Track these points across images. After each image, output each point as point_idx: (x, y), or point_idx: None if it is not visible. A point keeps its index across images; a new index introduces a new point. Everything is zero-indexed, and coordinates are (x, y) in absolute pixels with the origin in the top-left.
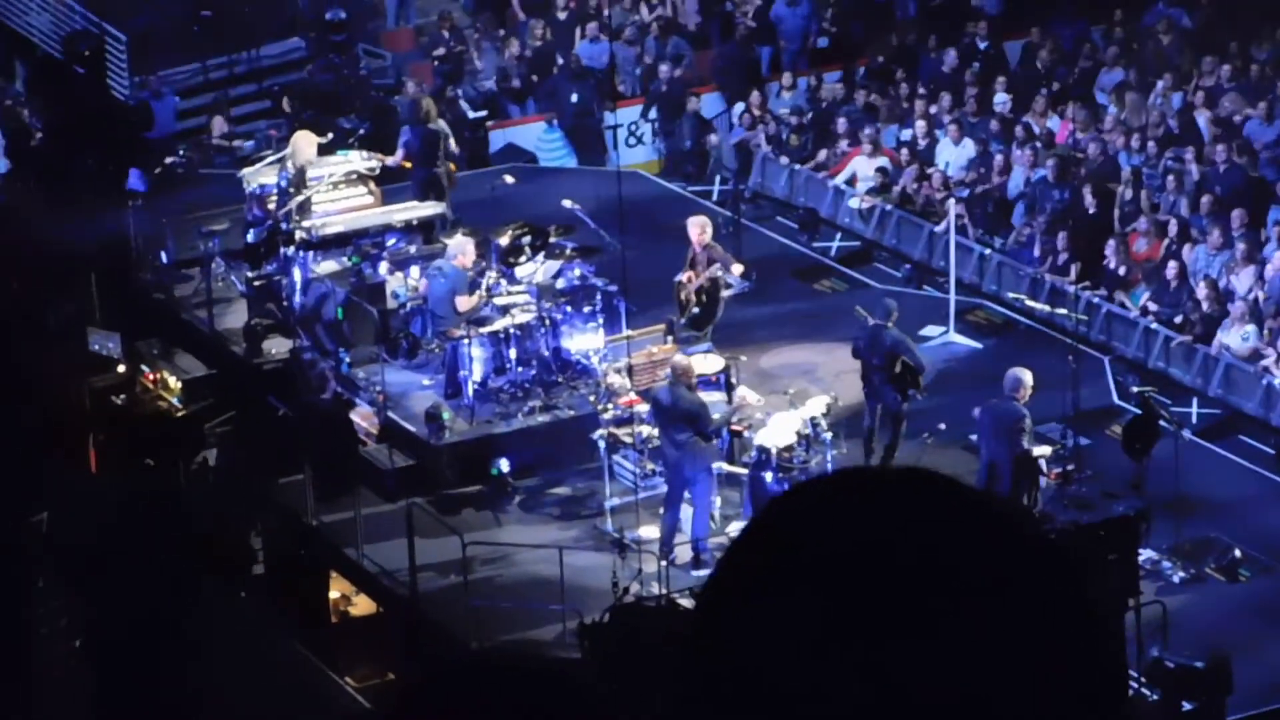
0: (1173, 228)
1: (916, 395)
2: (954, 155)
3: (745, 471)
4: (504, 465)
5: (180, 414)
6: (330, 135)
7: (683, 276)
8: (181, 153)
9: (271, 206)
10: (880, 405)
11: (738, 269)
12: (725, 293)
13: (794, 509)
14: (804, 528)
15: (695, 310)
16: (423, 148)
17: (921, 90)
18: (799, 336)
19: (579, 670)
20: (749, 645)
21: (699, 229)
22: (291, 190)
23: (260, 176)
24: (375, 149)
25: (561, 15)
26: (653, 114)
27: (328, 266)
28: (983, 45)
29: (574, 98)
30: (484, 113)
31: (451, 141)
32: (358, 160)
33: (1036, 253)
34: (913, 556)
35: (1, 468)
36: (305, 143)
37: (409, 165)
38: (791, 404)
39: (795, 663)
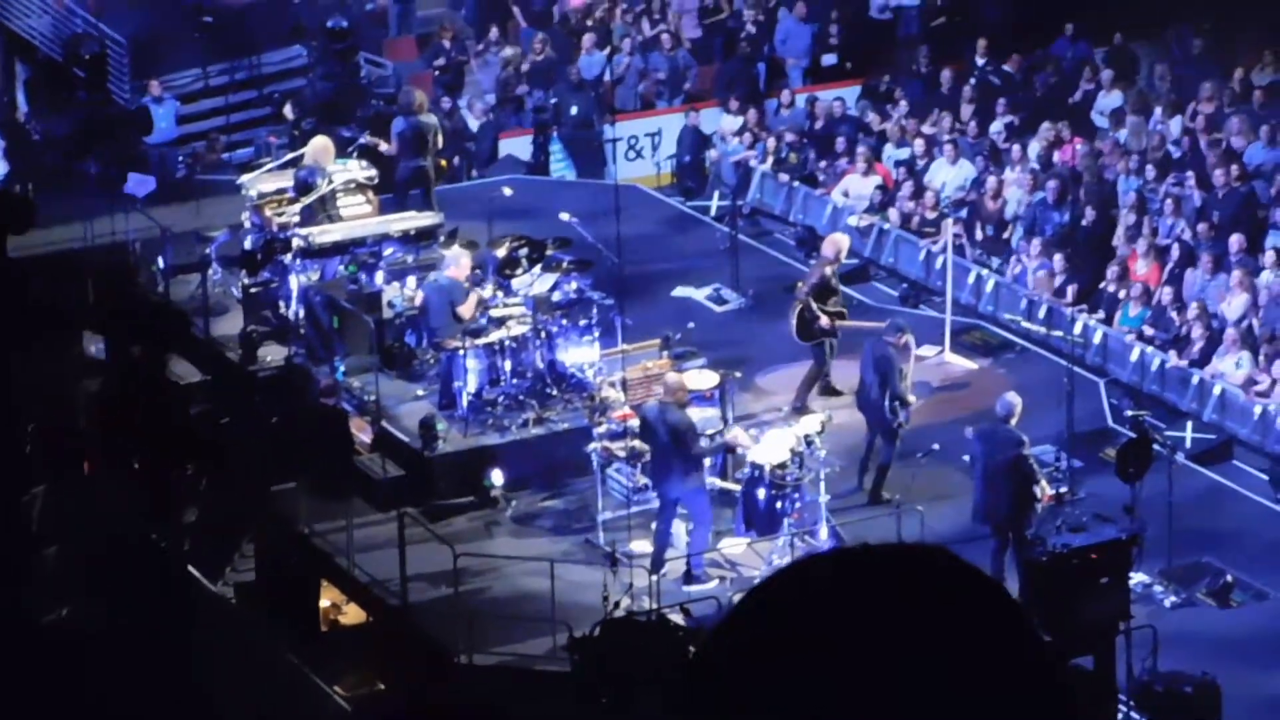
0: (1174, 251)
1: (900, 412)
2: (951, 175)
3: (738, 488)
4: (497, 477)
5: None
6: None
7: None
8: (181, 159)
9: (268, 213)
10: (873, 424)
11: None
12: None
13: (797, 583)
14: (804, 604)
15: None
16: (413, 138)
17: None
18: (795, 354)
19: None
20: (741, 706)
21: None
22: (310, 191)
23: (260, 183)
24: (374, 159)
25: (562, 28)
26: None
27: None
28: (983, 65)
29: (574, 110)
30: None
31: (440, 136)
32: (356, 169)
33: (1027, 277)
34: (901, 642)
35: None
36: (323, 149)
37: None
38: (786, 420)
39: None
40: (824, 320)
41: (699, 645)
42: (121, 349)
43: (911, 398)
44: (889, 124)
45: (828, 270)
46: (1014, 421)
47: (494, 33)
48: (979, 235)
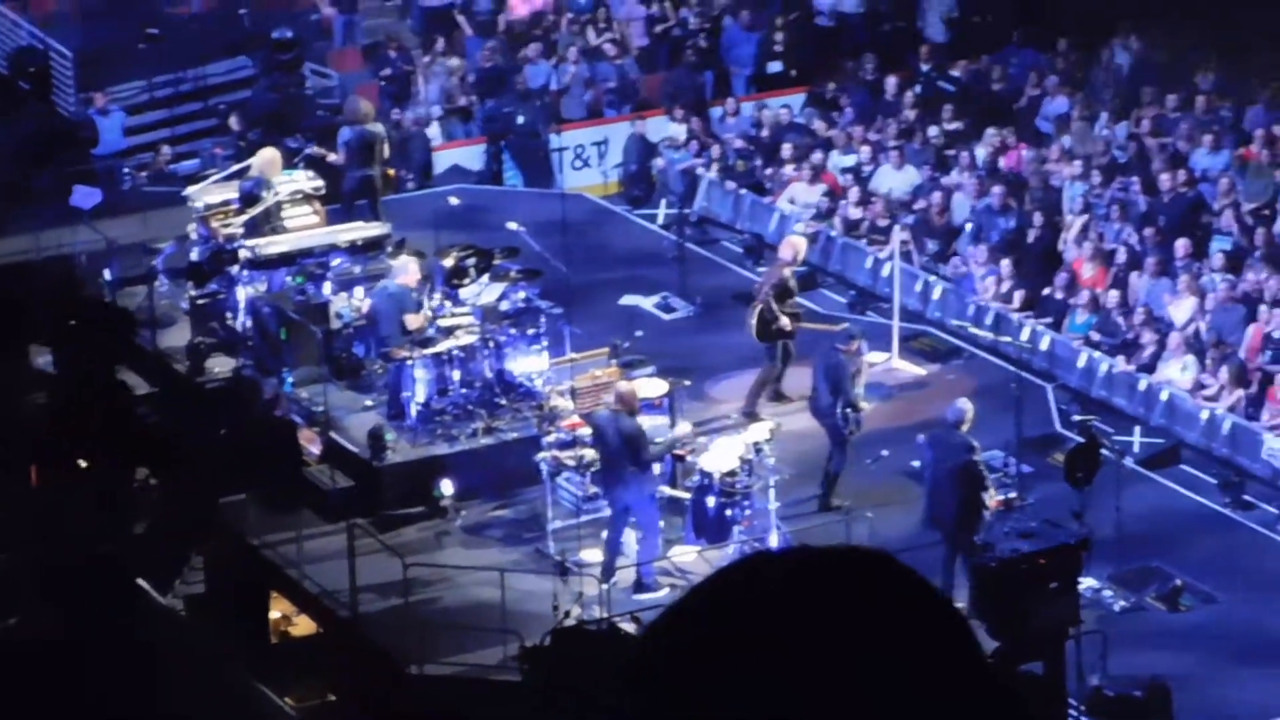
0: (1120, 256)
1: (850, 418)
2: (898, 182)
3: (688, 496)
4: (446, 487)
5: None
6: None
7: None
8: (127, 170)
9: (215, 224)
10: (826, 431)
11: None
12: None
13: (744, 583)
14: (752, 603)
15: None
16: (360, 148)
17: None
18: (744, 361)
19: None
20: (685, 707)
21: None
22: (255, 202)
23: (206, 195)
24: (321, 170)
25: (508, 37)
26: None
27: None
28: (928, 71)
29: (520, 119)
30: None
31: (387, 145)
32: (303, 180)
33: (974, 283)
34: (852, 644)
35: None
36: (270, 161)
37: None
38: (736, 428)
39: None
40: (783, 321)
41: (636, 647)
42: (71, 353)
43: (865, 405)
44: (835, 131)
45: (786, 272)
46: (965, 428)
47: (440, 44)
48: (927, 242)
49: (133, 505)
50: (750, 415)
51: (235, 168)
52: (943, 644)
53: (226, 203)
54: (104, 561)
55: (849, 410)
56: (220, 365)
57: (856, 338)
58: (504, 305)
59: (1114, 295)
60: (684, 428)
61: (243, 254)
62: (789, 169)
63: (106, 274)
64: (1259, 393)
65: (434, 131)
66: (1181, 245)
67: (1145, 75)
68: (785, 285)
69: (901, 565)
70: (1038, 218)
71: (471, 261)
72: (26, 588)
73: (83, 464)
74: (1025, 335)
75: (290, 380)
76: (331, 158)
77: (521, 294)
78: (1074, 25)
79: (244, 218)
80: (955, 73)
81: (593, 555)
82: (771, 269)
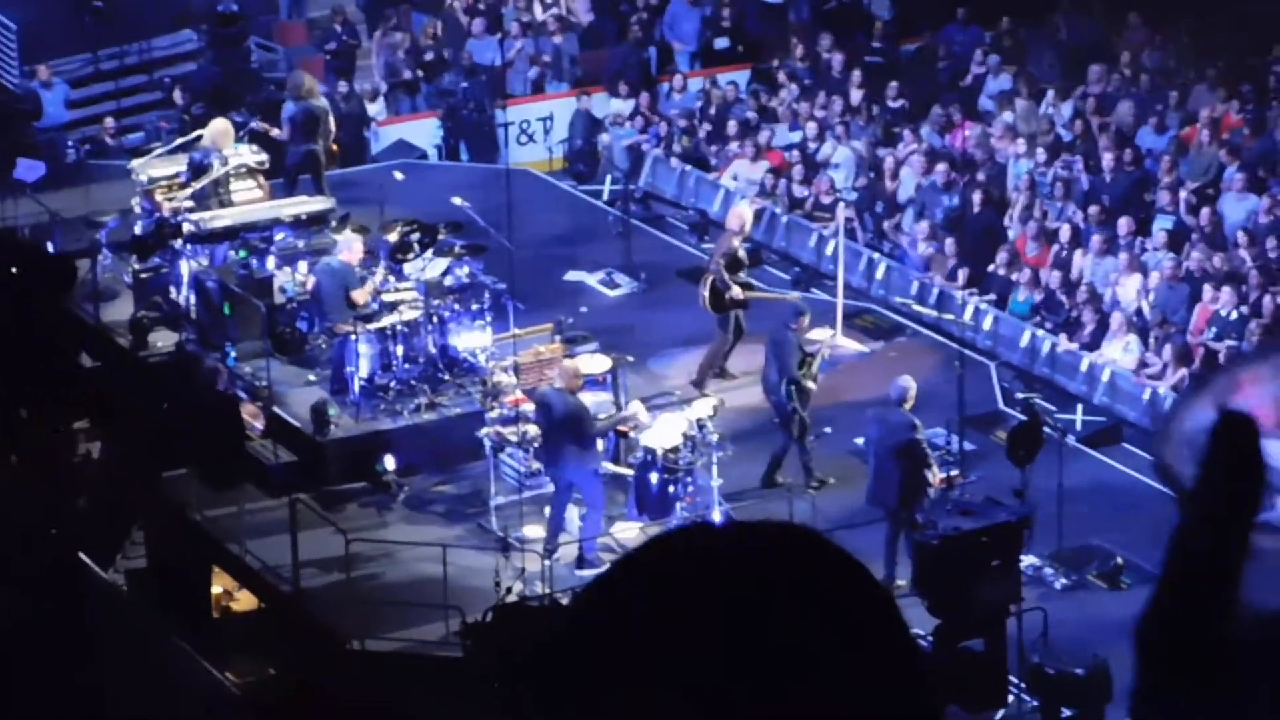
0: (1064, 234)
1: (794, 395)
2: (843, 159)
3: (631, 472)
4: (389, 462)
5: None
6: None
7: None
8: (71, 143)
9: (159, 198)
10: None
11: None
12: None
13: (677, 554)
14: (687, 575)
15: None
16: (304, 122)
17: (813, 94)
18: (688, 339)
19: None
20: (608, 671)
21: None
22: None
23: (150, 168)
24: (265, 144)
25: (455, 10)
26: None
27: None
28: (876, 50)
29: (465, 94)
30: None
31: (332, 120)
32: (247, 154)
33: (918, 259)
34: (790, 618)
35: None
36: (223, 132)
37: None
38: (678, 405)
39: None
40: (735, 291)
41: (568, 616)
42: (10, 299)
43: (810, 384)
44: (780, 107)
45: (735, 242)
46: (908, 405)
47: (393, 19)
48: (870, 219)
49: (73, 474)
50: (699, 386)
51: (179, 141)
52: (871, 625)
53: (172, 176)
54: (43, 534)
55: (792, 387)
56: (163, 339)
57: (805, 313)
58: (448, 280)
59: (1056, 274)
60: (636, 406)
61: (186, 228)
62: (734, 146)
63: (50, 247)
64: (1202, 371)
65: (379, 107)
66: (1124, 223)
67: (1089, 53)
68: (735, 255)
69: (834, 545)
70: (980, 195)
71: (415, 237)
72: None
73: (23, 414)
74: (968, 314)
75: (233, 355)
76: (275, 133)
77: (465, 269)
78: (1014, 3)
79: (192, 189)
80: (898, 49)
81: (535, 531)
82: (720, 240)
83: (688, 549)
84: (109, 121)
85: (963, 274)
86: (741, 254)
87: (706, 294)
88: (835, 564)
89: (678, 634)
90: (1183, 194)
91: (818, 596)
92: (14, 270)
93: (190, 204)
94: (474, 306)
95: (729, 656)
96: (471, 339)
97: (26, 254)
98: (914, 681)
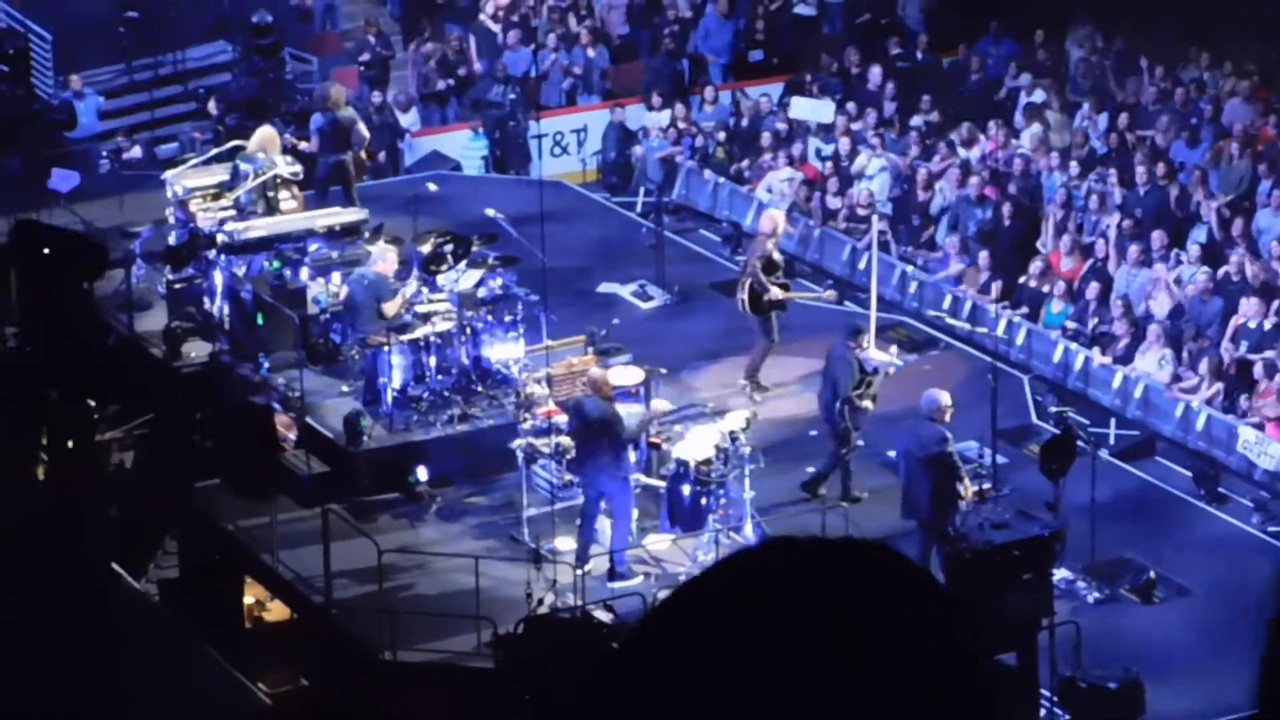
0: (1099, 248)
1: (846, 414)
2: (876, 171)
3: (663, 484)
4: (422, 473)
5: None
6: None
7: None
8: (105, 154)
9: (194, 208)
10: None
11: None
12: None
13: (750, 575)
14: (740, 595)
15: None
16: (332, 133)
17: (848, 107)
18: (720, 351)
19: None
20: (666, 695)
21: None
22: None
23: (185, 179)
24: (297, 156)
25: (489, 23)
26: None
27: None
28: (908, 63)
29: (501, 106)
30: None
31: (361, 126)
32: (281, 165)
33: (951, 271)
34: (831, 628)
35: None
36: (270, 138)
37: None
38: (710, 417)
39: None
40: (775, 292)
41: (630, 635)
42: (43, 282)
43: (868, 404)
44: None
45: (769, 244)
46: (943, 416)
47: (426, 29)
48: (905, 232)
49: (105, 479)
50: (754, 382)
51: (213, 152)
52: (941, 639)
53: (205, 187)
54: (72, 541)
55: (845, 406)
56: (197, 350)
57: (864, 332)
58: (481, 292)
59: (1091, 287)
60: (659, 404)
61: (220, 238)
62: (768, 157)
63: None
64: (1235, 385)
65: (413, 117)
66: (1157, 237)
67: (1124, 67)
68: (770, 258)
69: (911, 560)
70: (1009, 208)
71: (449, 248)
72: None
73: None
74: (1002, 327)
75: (266, 365)
76: (303, 145)
77: (498, 281)
78: (1047, 16)
79: (238, 193)
80: (933, 61)
81: (566, 543)
82: (754, 243)
83: (766, 569)
84: (122, 138)
85: (996, 287)
86: (776, 256)
87: (745, 297)
88: (914, 580)
89: (765, 650)
90: (1214, 204)
91: (898, 612)
92: (45, 253)
93: (232, 212)
94: (507, 318)
95: (817, 679)
96: (504, 350)
97: (58, 238)
98: (986, 699)
